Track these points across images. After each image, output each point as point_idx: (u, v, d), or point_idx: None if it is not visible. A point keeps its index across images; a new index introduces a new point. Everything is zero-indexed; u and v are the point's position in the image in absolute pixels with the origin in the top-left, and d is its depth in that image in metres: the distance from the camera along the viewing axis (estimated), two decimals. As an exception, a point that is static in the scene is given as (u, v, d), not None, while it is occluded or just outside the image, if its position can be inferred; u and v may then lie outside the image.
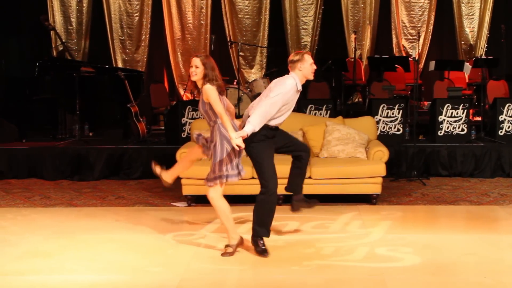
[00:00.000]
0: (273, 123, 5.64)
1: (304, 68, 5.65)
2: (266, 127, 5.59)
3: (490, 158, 9.32)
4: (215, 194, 5.55)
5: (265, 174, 5.55)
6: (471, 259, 5.57)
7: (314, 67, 5.70)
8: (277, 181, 5.60)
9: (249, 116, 5.51)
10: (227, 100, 5.64)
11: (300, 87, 5.67)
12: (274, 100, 5.49)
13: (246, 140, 5.44)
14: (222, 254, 5.64)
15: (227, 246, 5.69)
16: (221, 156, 5.44)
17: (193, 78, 5.51)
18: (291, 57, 5.71)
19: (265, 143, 5.60)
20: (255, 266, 5.45)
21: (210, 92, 5.38)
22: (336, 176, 7.59)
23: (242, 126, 5.52)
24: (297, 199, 6.13)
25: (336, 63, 11.55)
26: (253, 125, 5.40)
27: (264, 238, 5.71)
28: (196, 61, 5.49)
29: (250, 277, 5.24)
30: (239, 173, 5.53)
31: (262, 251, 5.63)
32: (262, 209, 5.62)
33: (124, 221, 7.01)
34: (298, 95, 5.71)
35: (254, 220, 5.68)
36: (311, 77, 5.70)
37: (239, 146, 5.29)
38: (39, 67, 11.00)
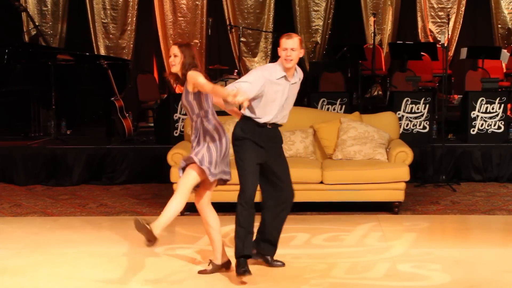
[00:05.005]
0: (261, 120, 5.60)
1: (280, 55, 5.57)
2: (253, 123, 5.55)
3: (531, 160, 9.35)
4: (204, 203, 5.63)
5: (242, 178, 5.55)
6: (509, 278, 5.56)
7: (288, 54, 5.48)
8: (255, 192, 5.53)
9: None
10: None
11: (278, 77, 5.54)
12: (239, 85, 5.43)
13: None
14: (199, 271, 5.66)
15: (210, 261, 5.69)
16: (201, 155, 5.41)
17: (173, 70, 5.52)
18: None
19: (251, 145, 5.55)
20: (256, 285, 5.45)
21: (195, 75, 5.37)
22: (352, 181, 7.59)
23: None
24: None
25: (353, 51, 11.55)
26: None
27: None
28: (175, 50, 5.51)
29: (252, 298, 5.25)
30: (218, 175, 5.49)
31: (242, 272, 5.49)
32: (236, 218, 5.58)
33: (107, 233, 7.01)
34: (290, 89, 5.58)
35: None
36: (285, 65, 5.52)
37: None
38: (8, 54, 10.99)
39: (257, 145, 5.56)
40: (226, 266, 5.70)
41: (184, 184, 5.45)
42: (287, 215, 5.85)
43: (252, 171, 5.53)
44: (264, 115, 5.57)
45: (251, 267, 5.57)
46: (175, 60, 5.49)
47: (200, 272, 5.67)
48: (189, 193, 5.51)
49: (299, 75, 5.71)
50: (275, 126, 5.68)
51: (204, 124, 5.47)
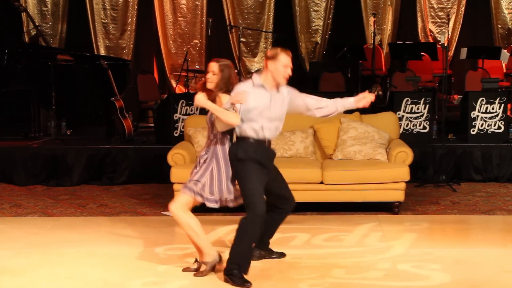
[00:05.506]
0: (251, 133, 5.54)
1: (275, 69, 5.48)
2: (251, 141, 5.53)
3: (531, 160, 9.35)
4: (177, 206, 5.62)
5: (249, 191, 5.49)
6: (509, 278, 5.56)
7: (289, 72, 5.49)
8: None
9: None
10: None
11: (256, 84, 5.50)
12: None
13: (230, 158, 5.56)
14: (195, 274, 5.63)
15: (200, 262, 5.69)
16: (211, 176, 5.50)
17: (208, 86, 5.58)
18: (266, 52, 5.67)
19: (253, 164, 5.50)
20: (257, 285, 5.45)
21: (224, 99, 5.45)
22: (352, 181, 7.59)
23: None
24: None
25: (353, 51, 11.56)
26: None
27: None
28: (214, 67, 5.56)
29: (252, 298, 5.25)
30: (221, 201, 5.58)
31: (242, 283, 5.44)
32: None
33: (107, 233, 7.01)
34: (274, 99, 5.53)
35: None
36: (282, 82, 5.52)
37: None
38: (8, 54, 11.00)
39: (261, 165, 5.54)
40: (219, 261, 5.69)
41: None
42: (287, 214, 5.98)
43: (259, 183, 5.49)
44: (249, 121, 5.49)
45: (255, 261, 5.59)
46: (212, 78, 5.53)
47: (196, 274, 5.64)
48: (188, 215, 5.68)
49: (283, 89, 5.63)
50: (270, 143, 5.64)
51: (219, 147, 5.52)
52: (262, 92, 5.50)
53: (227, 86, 5.53)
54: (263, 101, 5.48)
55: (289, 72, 5.50)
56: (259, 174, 5.48)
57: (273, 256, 6.05)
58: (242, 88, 5.47)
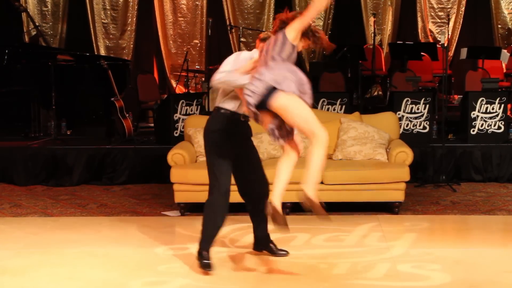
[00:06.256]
0: (227, 105, 5.65)
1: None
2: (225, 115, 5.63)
3: (531, 160, 9.35)
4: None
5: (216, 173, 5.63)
6: (509, 278, 5.56)
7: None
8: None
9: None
10: None
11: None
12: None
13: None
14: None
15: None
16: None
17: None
18: (259, 35, 5.74)
19: (226, 141, 5.63)
20: (256, 286, 5.45)
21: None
22: (352, 181, 7.59)
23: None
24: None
25: (353, 51, 11.55)
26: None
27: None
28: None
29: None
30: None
31: (203, 265, 5.65)
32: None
33: (107, 233, 7.01)
34: None
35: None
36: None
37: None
38: (8, 54, 11.01)
39: (229, 134, 5.64)
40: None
41: (305, 121, 5.04)
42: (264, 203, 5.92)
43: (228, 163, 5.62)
44: (231, 102, 5.65)
45: (256, 261, 5.59)
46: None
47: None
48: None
49: None
50: (247, 119, 5.69)
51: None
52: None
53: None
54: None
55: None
56: (226, 153, 5.60)
57: (276, 253, 6.07)
58: (248, 55, 5.59)
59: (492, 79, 10.60)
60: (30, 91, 10.93)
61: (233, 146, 5.68)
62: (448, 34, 12.90)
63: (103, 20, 13.41)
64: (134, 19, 13.43)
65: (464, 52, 11.81)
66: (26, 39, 12.93)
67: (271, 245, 6.09)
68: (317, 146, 5.04)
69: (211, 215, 5.65)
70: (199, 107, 10.07)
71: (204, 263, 5.62)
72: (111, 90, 10.31)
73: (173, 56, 13.54)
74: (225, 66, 5.61)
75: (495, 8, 13.19)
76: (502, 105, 9.68)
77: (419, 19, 13.36)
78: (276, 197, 5.16)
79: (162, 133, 10.07)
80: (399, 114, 9.64)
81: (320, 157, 5.07)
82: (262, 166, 5.96)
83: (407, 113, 9.77)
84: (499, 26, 13.24)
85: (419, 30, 13.34)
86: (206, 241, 5.68)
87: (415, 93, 10.10)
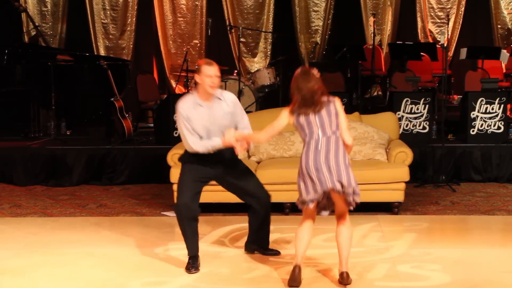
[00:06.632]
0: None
1: (201, 81, 5.69)
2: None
3: (531, 160, 9.35)
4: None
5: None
6: (509, 278, 5.56)
7: (214, 81, 5.66)
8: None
9: None
10: None
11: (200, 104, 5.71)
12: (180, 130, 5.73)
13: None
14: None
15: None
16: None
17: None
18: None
19: (191, 165, 5.77)
20: (256, 286, 5.44)
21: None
22: (352, 181, 7.59)
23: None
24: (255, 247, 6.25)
25: (352, 51, 11.55)
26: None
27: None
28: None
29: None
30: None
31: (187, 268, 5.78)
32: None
33: (107, 233, 7.01)
34: (213, 112, 5.73)
35: None
36: (210, 91, 5.68)
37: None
38: (8, 54, 11.01)
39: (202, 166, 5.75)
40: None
41: None
42: (269, 214, 6.13)
43: (190, 179, 5.75)
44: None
45: (256, 261, 5.58)
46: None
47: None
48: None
49: (226, 97, 5.83)
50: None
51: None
52: (200, 110, 5.69)
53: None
54: (203, 120, 5.68)
55: (214, 81, 5.67)
56: (194, 173, 5.71)
57: (267, 252, 6.18)
58: (183, 109, 5.68)
59: (492, 79, 10.60)
60: (29, 91, 10.92)
61: (208, 172, 5.79)
62: (448, 34, 12.89)
63: (102, 20, 13.41)
64: (134, 19, 13.42)
65: (463, 52, 11.81)
66: (26, 39, 12.92)
67: (263, 248, 6.19)
68: (348, 227, 5.45)
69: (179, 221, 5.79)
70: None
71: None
72: (110, 90, 10.31)
73: (173, 56, 13.53)
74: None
75: (495, 8, 13.19)
76: (502, 105, 9.68)
77: (418, 19, 13.35)
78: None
79: (162, 133, 10.07)
80: (398, 114, 9.64)
81: (351, 237, 5.51)
82: (253, 173, 6.16)
83: (407, 113, 9.77)
84: (499, 26, 13.23)
85: (419, 30, 13.34)
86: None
87: (415, 93, 10.10)
